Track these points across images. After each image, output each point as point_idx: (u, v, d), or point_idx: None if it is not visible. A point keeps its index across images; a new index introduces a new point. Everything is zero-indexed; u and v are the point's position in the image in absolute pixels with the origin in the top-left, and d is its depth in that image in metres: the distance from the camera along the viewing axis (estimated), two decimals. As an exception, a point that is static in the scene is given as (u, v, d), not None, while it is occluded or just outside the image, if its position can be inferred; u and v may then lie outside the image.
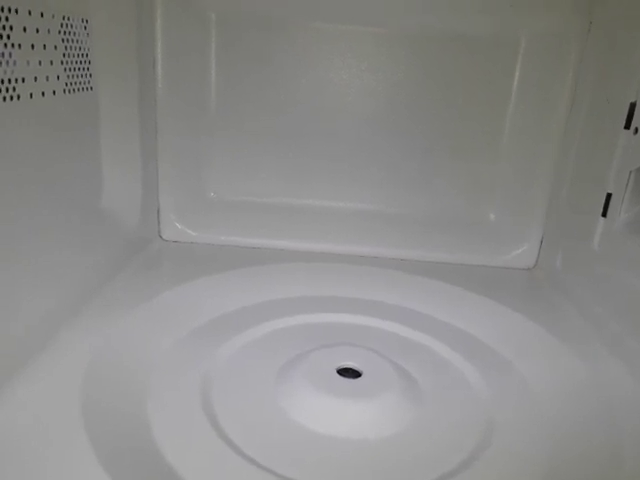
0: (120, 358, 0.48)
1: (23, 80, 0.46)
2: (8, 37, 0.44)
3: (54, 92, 0.52)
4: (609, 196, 0.57)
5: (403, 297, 0.64)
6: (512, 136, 0.71)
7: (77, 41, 0.56)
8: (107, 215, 0.63)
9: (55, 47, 0.51)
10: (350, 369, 0.51)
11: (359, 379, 0.49)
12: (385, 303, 0.63)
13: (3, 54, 0.43)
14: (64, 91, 0.53)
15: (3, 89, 0.43)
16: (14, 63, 0.45)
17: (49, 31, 0.50)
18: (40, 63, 0.49)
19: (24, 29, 0.46)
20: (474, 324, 0.60)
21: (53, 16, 0.51)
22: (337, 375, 0.49)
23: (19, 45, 0.45)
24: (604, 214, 0.58)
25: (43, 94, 0.50)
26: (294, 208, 0.74)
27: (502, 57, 0.68)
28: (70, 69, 0.54)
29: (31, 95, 0.48)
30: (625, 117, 0.55)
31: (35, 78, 0.48)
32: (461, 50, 0.68)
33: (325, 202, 0.75)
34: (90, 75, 0.59)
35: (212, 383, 0.48)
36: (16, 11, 0.45)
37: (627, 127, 0.55)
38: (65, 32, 0.53)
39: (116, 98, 0.62)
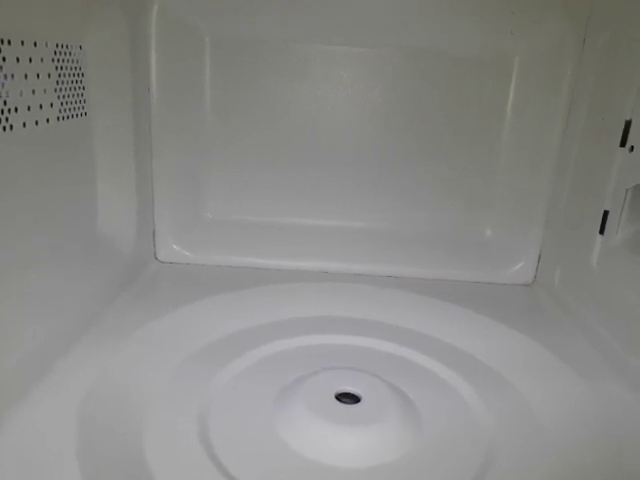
0: (116, 388, 0.47)
1: (16, 110, 0.46)
2: (1, 68, 0.44)
3: (48, 120, 0.51)
4: (606, 213, 0.57)
5: (401, 316, 0.64)
6: (509, 153, 0.71)
7: (71, 68, 0.56)
8: (103, 240, 0.63)
9: (49, 75, 0.51)
10: (349, 394, 0.51)
11: (358, 405, 0.48)
12: (383, 323, 0.63)
13: (-4, 86, 0.44)
14: (58, 118, 0.53)
15: (-4, 120, 0.43)
16: (7, 94, 0.45)
17: (42, 60, 0.50)
18: (33, 92, 0.49)
19: (17, 59, 0.46)
20: (474, 343, 0.59)
21: (46, 44, 0.51)
22: (335, 401, 0.49)
23: (12, 75, 0.45)
24: (602, 231, 0.58)
25: (37, 123, 0.50)
26: (291, 227, 0.74)
27: (497, 76, 0.68)
28: (64, 96, 0.54)
29: (24, 124, 0.47)
30: (620, 135, 0.55)
31: (28, 107, 0.48)
32: (456, 70, 0.69)
33: (323, 220, 0.75)
34: (84, 101, 0.59)
35: (209, 411, 0.48)
36: (9, 42, 0.45)
37: (623, 145, 0.55)
38: (59, 59, 0.53)
39: (111, 122, 0.62)
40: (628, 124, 0.54)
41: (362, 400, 0.49)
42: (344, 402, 0.49)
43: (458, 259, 0.73)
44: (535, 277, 0.73)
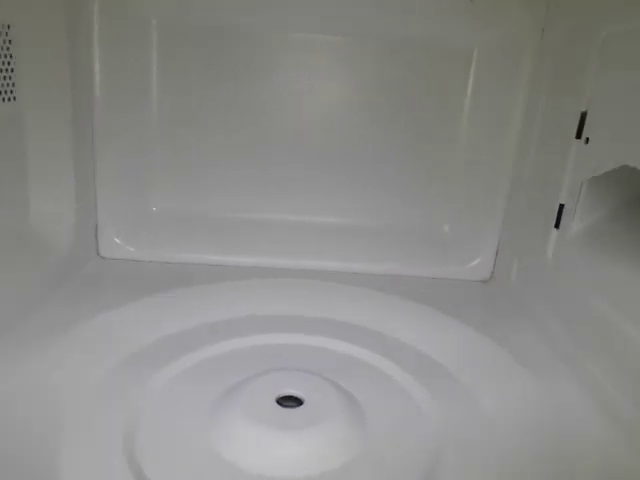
0: (33, 397, 0.43)
1: None
2: None
3: (-35, 101, 0.48)
4: (562, 207, 0.56)
5: (352, 313, 0.61)
6: (467, 146, 0.69)
7: (-3, 48, 0.52)
8: (35, 235, 0.59)
9: (-32, 54, 0.47)
10: (291, 397, 0.48)
11: (300, 408, 0.46)
12: (332, 320, 0.60)
13: None
14: (-21, 100, 0.49)
15: None
16: None
17: (-43, 36, 0.46)
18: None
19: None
20: (426, 340, 0.57)
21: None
22: (276, 405, 0.46)
23: None
24: (557, 225, 0.56)
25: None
26: (240, 222, 0.71)
27: (456, 67, 0.66)
28: (-12, 78, 0.50)
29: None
30: (576, 126, 0.53)
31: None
32: (415, 58, 0.66)
33: (274, 215, 0.71)
34: (13, 84, 0.55)
35: (139, 420, 0.44)
36: None
37: (578, 137, 0.53)
38: (-19, 36, 0.49)
39: (44, 108, 0.58)
40: (584, 115, 0.53)
41: (305, 403, 0.46)
42: (286, 406, 0.46)
43: (415, 255, 0.71)
44: (493, 273, 0.71)
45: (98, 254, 0.70)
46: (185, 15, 0.64)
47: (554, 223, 0.56)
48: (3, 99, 0.54)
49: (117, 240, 0.69)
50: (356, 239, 0.71)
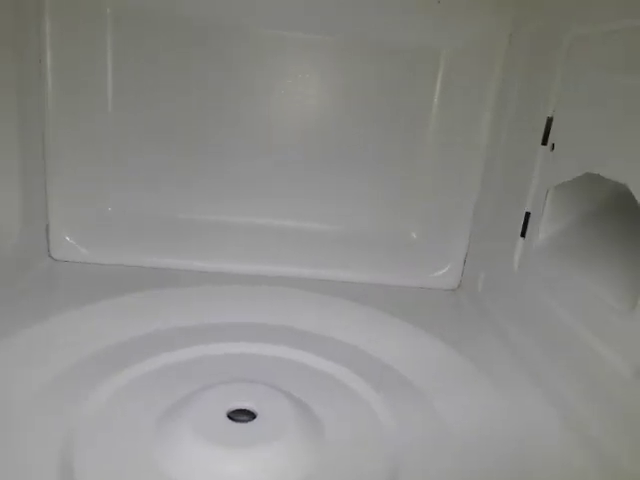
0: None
1: None
2: None
3: None
4: (528, 215, 0.55)
5: (313, 321, 0.59)
6: (435, 152, 0.67)
7: None
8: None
9: None
10: (244, 410, 0.45)
11: (253, 422, 0.43)
12: (292, 328, 0.58)
13: None
14: None
15: None
16: None
17: None
18: None
19: None
20: (387, 350, 0.55)
21: None
22: (227, 420, 0.43)
23: None
24: (523, 234, 0.55)
25: None
26: (199, 224, 0.68)
27: (423, 71, 0.65)
28: None
29: None
30: (542, 132, 0.52)
31: None
32: (384, 61, 0.65)
33: (233, 217, 0.69)
34: (-49, 72, 0.51)
35: (77, 438, 0.41)
36: None
37: (544, 143, 0.52)
38: None
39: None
40: (550, 121, 0.52)
41: (258, 417, 0.44)
42: (237, 420, 0.43)
43: (381, 261, 0.69)
44: (461, 282, 0.70)
45: (49, 255, 0.66)
46: (143, 3, 0.61)
47: (520, 231, 0.55)
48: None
49: (69, 240, 0.65)
50: (322, 245, 0.69)
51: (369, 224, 0.70)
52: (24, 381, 0.45)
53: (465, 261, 0.69)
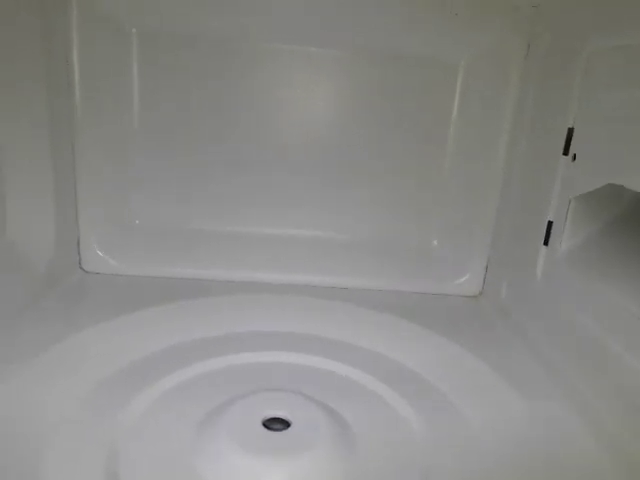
0: (10, 422, 0.42)
1: None
2: None
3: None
4: (550, 224, 0.55)
5: (338, 330, 0.60)
6: (454, 161, 0.68)
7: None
8: (12, 249, 0.57)
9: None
10: (278, 419, 0.47)
11: (287, 431, 0.44)
12: (319, 337, 0.59)
13: None
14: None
15: None
16: None
17: None
18: None
19: None
20: (413, 358, 0.56)
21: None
22: (263, 428, 0.44)
23: None
24: (546, 242, 0.56)
25: None
26: (226, 236, 0.70)
27: (443, 81, 0.66)
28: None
29: None
30: (563, 143, 0.53)
31: None
32: (402, 72, 0.66)
33: (259, 229, 0.70)
34: (-14, 95, 0.53)
35: (120, 445, 0.42)
36: None
37: (565, 153, 0.53)
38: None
39: (20, 121, 0.56)
40: (570, 132, 0.53)
41: (292, 425, 0.45)
42: (273, 429, 0.45)
43: (404, 270, 0.70)
44: (482, 289, 0.71)
45: (81, 268, 0.68)
46: (166, 23, 0.63)
47: (543, 240, 0.56)
48: (-20, 111, 0.52)
49: (100, 253, 0.67)
50: (344, 254, 0.71)
51: (390, 232, 0.71)
52: (62, 393, 0.47)
53: (486, 268, 0.70)
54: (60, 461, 0.40)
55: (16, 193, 0.57)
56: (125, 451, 0.42)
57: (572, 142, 0.52)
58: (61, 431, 0.43)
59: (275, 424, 0.46)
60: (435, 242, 0.72)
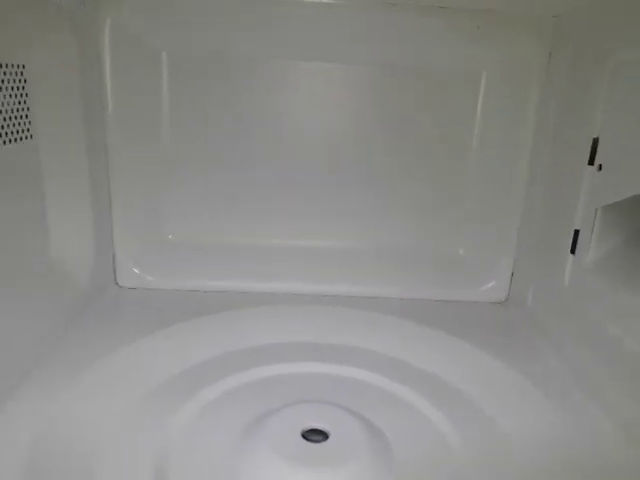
0: (66, 431, 0.44)
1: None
2: None
3: (-13, 146, 0.48)
4: (577, 233, 0.56)
5: (368, 339, 0.61)
6: (479, 170, 0.69)
7: (13, 88, 0.52)
8: (56, 268, 0.60)
9: (-13, 98, 0.48)
10: (317, 430, 0.48)
11: (326, 442, 0.46)
12: (347, 347, 0.61)
13: None
14: (-1, 143, 0.50)
15: None
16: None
17: (-21, 82, 0.46)
18: (-30, 117, 0.45)
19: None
20: (446, 367, 0.57)
21: (-16, 65, 0.47)
22: (302, 440, 0.46)
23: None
24: (573, 251, 0.57)
25: (-26, 150, 0.46)
26: (257, 248, 0.71)
27: (465, 91, 0.67)
28: (6, 118, 0.51)
29: (-39, 153, 0.44)
30: (589, 153, 0.54)
31: (-34, 134, 0.44)
32: (425, 83, 0.67)
33: (289, 240, 0.72)
34: (29, 123, 0.55)
35: (167, 454, 0.45)
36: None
37: (591, 163, 0.54)
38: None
39: (60, 144, 0.59)
40: (595, 142, 0.53)
41: (330, 437, 0.47)
42: (311, 440, 0.46)
43: (430, 278, 0.71)
44: (508, 295, 0.72)
45: (116, 283, 0.70)
46: (194, 45, 0.65)
47: (570, 248, 0.57)
48: (20, 138, 0.54)
49: (135, 269, 0.69)
50: (371, 263, 0.72)
51: (415, 241, 0.73)
52: (117, 400, 0.49)
53: (512, 274, 0.71)
54: (114, 460, 0.43)
55: (57, 213, 0.60)
56: (172, 458, 0.44)
57: (597, 152, 0.53)
58: (110, 443, 0.45)
59: (314, 435, 0.47)
60: (461, 251, 0.73)
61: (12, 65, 0.51)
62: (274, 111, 0.67)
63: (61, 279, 0.60)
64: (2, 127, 0.50)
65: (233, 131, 0.68)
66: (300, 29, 0.64)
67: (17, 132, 0.53)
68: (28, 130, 0.55)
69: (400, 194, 0.71)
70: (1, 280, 0.49)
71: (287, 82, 0.67)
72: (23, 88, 0.54)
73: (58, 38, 0.56)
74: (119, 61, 0.63)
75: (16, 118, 0.53)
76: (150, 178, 0.69)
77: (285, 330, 0.62)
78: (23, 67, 0.54)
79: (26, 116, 0.55)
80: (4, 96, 0.50)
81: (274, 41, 0.65)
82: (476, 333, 0.62)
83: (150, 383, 0.53)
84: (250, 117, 0.67)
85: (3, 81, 0.50)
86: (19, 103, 0.54)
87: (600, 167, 0.53)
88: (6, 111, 0.51)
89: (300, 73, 0.66)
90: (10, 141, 0.52)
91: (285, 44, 0.65)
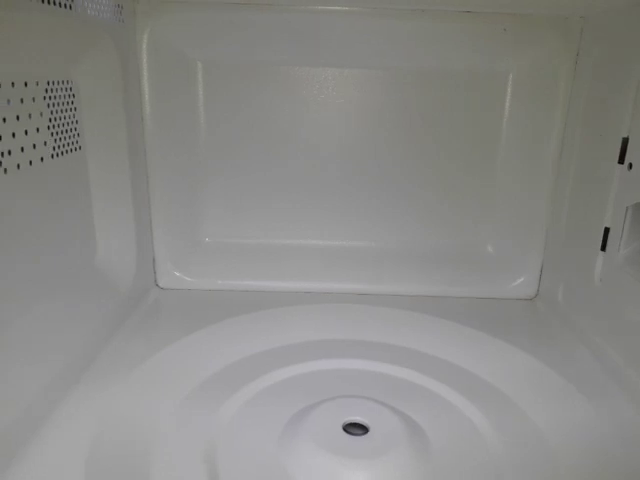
0: (122, 427, 0.47)
1: (9, 153, 0.46)
2: (-8, 113, 0.43)
3: (42, 159, 0.51)
4: (607, 230, 0.57)
5: (403, 336, 0.63)
6: (507, 169, 0.71)
7: (63, 103, 0.55)
8: (102, 272, 0.63)
9: (41, 114, 0.51)
10: (357, 424, 0.50)
11: (366, 436, 0.48)
12: (384, 344, 0.63)
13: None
14: (52, 156, 0.53)
15: (-11, 165, 0.43)
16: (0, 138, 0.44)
17: (34, 99, 0.49)
18: (26, 133, 0.48)
19: (7, 101, 0.45)
20: (478, 363, 0.59)
21: (37, 83, 0.50)
22: (343, 432, 0.48)
23: (3, 119, 0.45)
24: (603, 248, 0.58)
25: (31, 163, 0.49)
26: (291, 248, 0.74)
27: (492, 93, 0.68)
28: (57, 132, 0.54)
29: (18, 166, 0.47)
30: (618, 152, 0.55)
31: (22, 148, 0.47)
32: (451, 87, 0.68)
33: (322, 241, 0.74)
34: (78, 135, 0.58)
35: (216, 446, 0.47)
36: (-1, 85, 0.44)
37: (621, 162, 0.55)
38: (50, 97, 0.52)
39: (105, 154, 0.62)
40: (625, 141, 0.54)
41: (370, 430, 0.49)
42: (352, 433, 0.49)
43: (460, 275, 0.73)
44: (538, 291, 0.73)
45: (157, 285, 0.73)
46: (225, 54, 0.67)
47: (600, 246, 0.58)
48: (71, 150, 0.57)
49: (175, 272, 0.73)
50: (400, 263, 0.74)
51: (446, 240, 0.74)
52: (163, 398, 0.52)
53: (541, 271, 0.72)
54: (165, 453, 0.46)
55: (102, 220, 0.63)
56: (220, 449, 0.47)
57: (627, 151, 0.54)
58: (164, 430, 0.48)
59: (354, 429, 0.50)
60: (490, 248, 0.74)
61: (61, 82, 0.55)
62: (303, 116, 0.70)
63: (107, 282, 0.63)
64: (55, 140, 0.53)
65: (265, 137, 0.70)
66: (333, 38, 0.66)
67: (68, 145, 0.56)
68: (77, 142, 0.59)
69: (429, 194, 0.73)
70: (54, 285, 0.53)
71: (321, 88, 0.69)
72: (72, 103, 0.57)
73: (101, 54, 0.59)
74: (156, 71, 0.66)
75: (67, 132, 0.56)
76: (186, 183, 0.72)
77: (320, 328, 0.65)
78: (71, 83, 0.57)
79: (75, 129, 0.58)
80: (56, 111, 0.54)
81: (306, 49, 0.67)
82: (506, 329, 0.63)
83: (196, 379, 0.56)
84: (281, 122, 0.70)
85: (55, 97, 0.53)
86: (68, 117, 0.57)
87: (630, 166, 0.53)
88: (58, 125, 0.54)
89: (330, 80, 0.68)
90: (63, 153, 0.55)
91: (318, 53, 0.67)
